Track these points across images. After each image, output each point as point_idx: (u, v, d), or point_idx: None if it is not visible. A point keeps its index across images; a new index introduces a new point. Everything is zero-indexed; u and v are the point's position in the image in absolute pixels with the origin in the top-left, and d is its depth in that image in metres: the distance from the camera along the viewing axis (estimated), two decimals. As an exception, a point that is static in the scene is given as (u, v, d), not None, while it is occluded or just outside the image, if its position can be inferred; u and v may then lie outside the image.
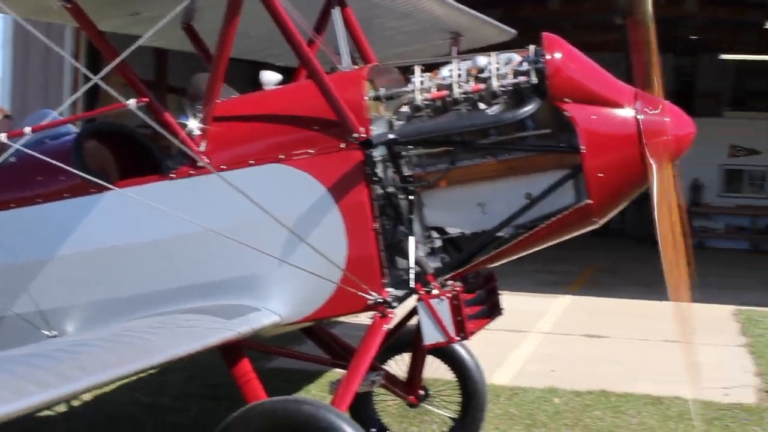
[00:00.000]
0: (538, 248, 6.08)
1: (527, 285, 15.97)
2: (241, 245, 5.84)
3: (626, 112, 5.78)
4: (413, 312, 6.26)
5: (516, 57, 5.95)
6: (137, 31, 6.97)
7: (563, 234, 6.01)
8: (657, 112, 5.79)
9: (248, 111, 6.29)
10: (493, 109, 5.83)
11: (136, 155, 6.82)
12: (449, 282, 5.98)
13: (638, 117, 5.75)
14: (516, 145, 5.92)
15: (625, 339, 12.74)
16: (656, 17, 5.73)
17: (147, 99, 5.77)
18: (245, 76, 10.92)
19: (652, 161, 5.74)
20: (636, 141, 5.73)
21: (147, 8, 6.59)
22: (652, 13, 5.77)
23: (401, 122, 6.09)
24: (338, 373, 8.11)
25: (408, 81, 6.23)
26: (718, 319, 14.05)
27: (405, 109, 6.10)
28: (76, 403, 9.08)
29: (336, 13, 6.93)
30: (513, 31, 10.46)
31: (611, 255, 22.24)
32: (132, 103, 5.32)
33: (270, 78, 6.57)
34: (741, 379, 10.50)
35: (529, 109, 5.73)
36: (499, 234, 6.03)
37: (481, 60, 5.99)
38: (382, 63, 6.62)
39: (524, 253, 6.11)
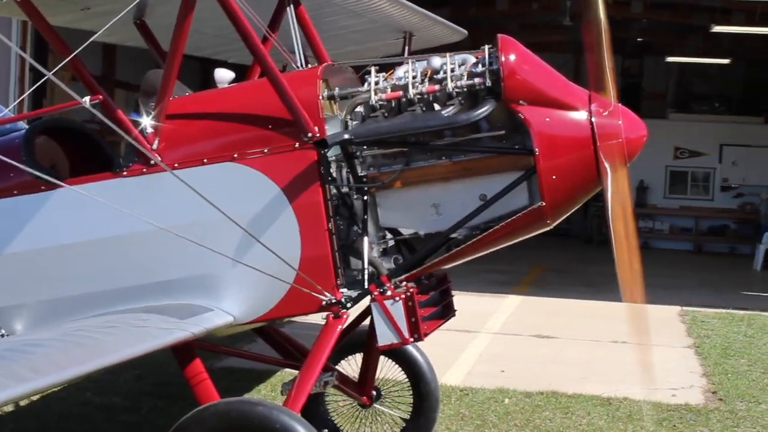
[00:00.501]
0: (492, 250, 6.09)
1: (476, 285, 16.01)
2: (194, 245, 5.78)
3: (580, 115, 5.79)
4: (366, 312, 6.23)
5: (471, 58, 5.95)
6: (89, 26, 6.91)
7: (517, 236, 6.02)
8: (610, 114, 5.82)
9: (202, 109, 6.23)
10: (448, 111, 5.82)
11: (87, 152, 6.74)
12: (403, 283, 5.97)
13: (592, 119, 5.78)
14: (470, 147, 5.92)
15: (574, 339, 12.81)
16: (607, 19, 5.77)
17: (101, 96, 5.70)
18: (196, 73, 10.85)
19: (605, 164, 5.77)
20: (590, 143, 5.75)
21: (99, 3, 6.49)
22: (603, 14, 5.81)
23: (356, 122, 6.06)
24: (290, 373, 8.11)
25: (363, 81, 6.23)
26: (664, 319, 14.15)
27: (359, 109, 6.07)
28: (24, 402, 8.95)
29: (290, 11, 6.89)
30: (464, 31, 10.46)
31: (558, 255, 22.36)
32: (86, 100, 5.24)
33: (224, 76, 6.53)
34: (688, 380, 10.60)
35: (483, 110, 5.73)
36: (453, 235, 6.03)
37: (436, 61, 5.97)
38: (336, 62, 6.59)
39: (478, 255, 6.11)
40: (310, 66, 6.74)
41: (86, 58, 5.94)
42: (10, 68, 15.83)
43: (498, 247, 6.09)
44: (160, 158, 5.91)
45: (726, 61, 26.01)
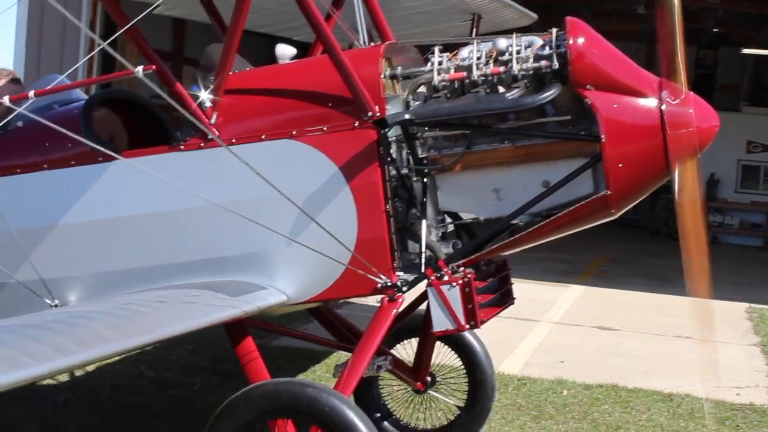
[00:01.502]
0: (554, 237, 5.93)
1: (537, 273, 15.81)
2: (249, 222, 5.70)
3: (649, 102, 5.59)
4: (423, 297, 6.10)
5: (538, 40, 5.78)
6: (154, -1, 6.85)
7: (579, 224, 5.84)
8: (681, 102, 5.61)
9: (261, 84, 6.13)
10: (513, 93, 5.65)
11: (148, 125, 6.69)
12: (461, 268, 5.82)
13: (662, 107, 5.58)
14: (535, 131, 5.76)
15: (636, 332, 12.55)
16: (681, 8, 5.56)
17: (155, 66, 5.61)
18: (262, 49, 10.75)
19: (674, 153, 5.58)
20: (659, 132, 5.56)
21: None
22: (678, 3, 5.60)
23: (417, 102, 5.93)
24: (344, 355, 8.01)
25: (427, 61, 6.09)
26: (731, 316, 13.84)
27: (422, 89, 5.94)
28: (79, 372, 8.99)
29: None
30: (534, 15, 10.27)
31: (623, 246, 22.03)
32: (139, 70, 5.16)
33: (285, 51, 6.42)
34: (753, 379, 10.29)
35: (549, 94, 5.55)
36: (514, 222, 5.88)
37: (502, 42, 5.82)
38: (399, 41, 6.44)
39: (539, 242, 5.95)
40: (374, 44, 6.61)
41: (154, 33, 5.87)
42: (80, 42, 15.92)
43: (560, 235, 5.92)
44: (217, 133, 5.83)
45: (804, 54, 25.40)
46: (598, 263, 19.46)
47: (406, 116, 5.70)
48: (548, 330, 12.46)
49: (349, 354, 5.88)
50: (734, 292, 15.46)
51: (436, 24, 9.44)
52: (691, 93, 5.69)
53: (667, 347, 11.71)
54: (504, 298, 6.36)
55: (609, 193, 5.59)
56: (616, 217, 5.83)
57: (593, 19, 23.34)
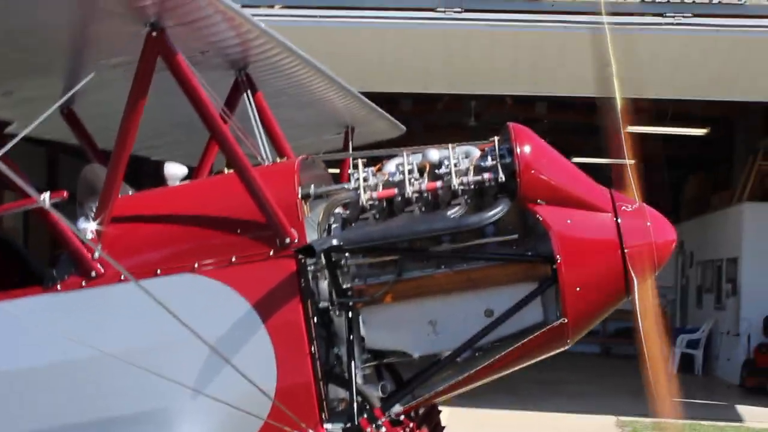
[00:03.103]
0: (500, 374, 5.17)
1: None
2: (145, 373, 4.74)
3: (604, 216, 4.97)
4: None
5: (475, 150, 5.09)
6: (9, 114, 5.91)
7: (531, 357, 5.13)
8: (636, 215, 5.01)
9: (153, 210, 5.23)
10: (454, 212, 4.91)
11: (11, 264, 5.65)
12: (401, 417, 4.99)
13: (617, 221, 4.95)
14: (482, 254, 5.03)
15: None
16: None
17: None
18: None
19: (634, 272, 4.95)
20: (617, 249, 4.93)
21: (22, 87, 5.52)
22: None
23: (335, 225, 5.13)
24: None
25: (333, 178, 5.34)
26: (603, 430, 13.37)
27: (338, 210, 5.15)
28: None
29: (247, 97, 5.98)
30: (402, 127, 9.80)
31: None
32: (46, 198, 4.21)
33: (175, 171, 5.53)
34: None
35: (498, 210, 4.85)
36: (454, 357, 5.09)
37: (433, 154, 5.08)
38: (308, 155, 5.60)
39: (481, 382, 5.17)
40: (279, 160, 5.81)
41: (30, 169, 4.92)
42: None
43: (507, 372, 5.17)
44: (102, 270, 4.90)
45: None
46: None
47: (334, 242, 4.88)
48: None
49: None
50: (597, 404, 15.06)
51: (309, 137, 8.74)
52: (646, 205, 5.11)
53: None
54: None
55: (565, 321, 4.91)
56: (568, 347, 5.15)
57: (425, 132, 23.24)
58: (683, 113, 21.71)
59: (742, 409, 16.56)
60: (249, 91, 5.96)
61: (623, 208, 4.99)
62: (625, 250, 4.92)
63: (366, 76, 13.41)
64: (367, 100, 8.24)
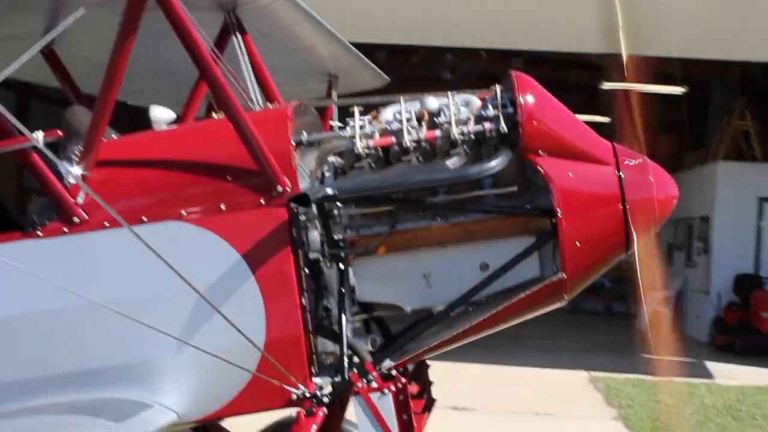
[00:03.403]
0: (492, 330, 5.03)
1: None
2: (129, 324, 4.56)
3: (606, 170, 4.82)
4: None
5: (475, 99, 4.90)
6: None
7: (526, 314, 4.98)
8: (640, 169, 4.87)
9: (140, 155, 5.01)
10: (453, 161, 4.75)
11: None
12: (392, 372, 4.84)
13: (620, 175, 4.81)
14: (478, 206, 4.87)
15: (494, 412, 11.79)
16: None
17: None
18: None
19: (635, 227, 4.82)
20: (618, 203, 4.78)
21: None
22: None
23: (328, 174, 4.94)
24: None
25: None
26: (578, 387, 13.35)
27: (332, 158, 4.96)
28: None
29: (237, 40, 5.77)
30: (386, 77, 9.60)
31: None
32: (39, 137, 4.00)
33: (161, 115, 5.31)
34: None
35: (499, 161, 4.68)
36: (447, 312, 4.95)
37: (432, 102, 4.90)
38: (301, 101, 5.40)
39: (475, 337, 5.03)
40: (270, 105, 5.61)
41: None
42: None
43: (499, 328, 5.03)
44: (86, 216, 4.71)
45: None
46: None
47: (329, 191, 4.70)
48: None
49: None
50: (569, 360, 15.04)
51: (290, 85, 8.51)
52: (649, 159, 4.96)
53: (528, 427, 10.99)
54: (429, 403, 5.43)
55: (564, 276, 4.76)
56: (564, 304, 5.03)
57: (399, 84, 22.99)
58: (660, 72, 21.61)
59: (713, 366, 16.63)
60: (238, 33, 5.74)
61: (626, 162, 4.85)
62: (627, 205, 4.78)
63: (345, 25, 13.16)
64: (353, 48, 8.05)
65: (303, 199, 4.64)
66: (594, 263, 4.88)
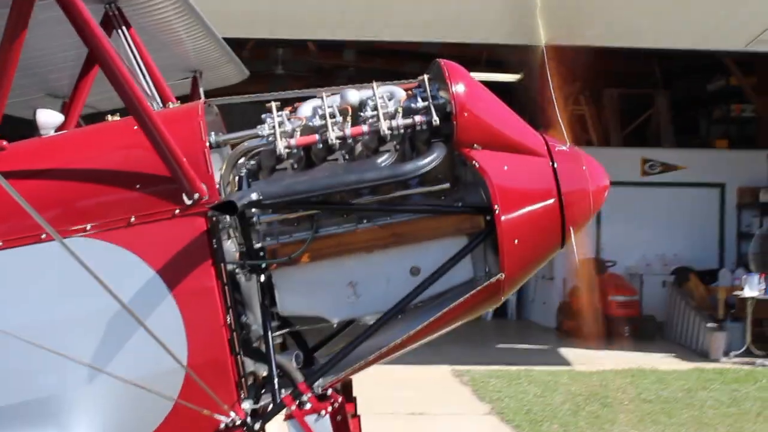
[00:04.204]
0: (431, 337, 4.71)
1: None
2: (30, 355, 4.06)
3: (540, 161, 4.55)
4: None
5: (400, 91, 4.53)
6: None
7: (461, 318, 4.68)
8: (571, 159, 4.64)
9: (32, 164, 4.47)
10: (384, 159, 4.39)
11: None
12: (328, 390, 4.46)
13: (554, 167, 4.55)
14: (410, 206, 4.53)
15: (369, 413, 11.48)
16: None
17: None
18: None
19: (571, 220, 4.59)
20: (555, 197, 4.53)
21: None
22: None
23: (242, 177, 4.53)
24: None
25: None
26: (445, 382, 13.19)
27: (242, 160, 4.54)
28: None
29: (122, 34, 5.28)
30: (247, 71, 9.27)
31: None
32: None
33: (48, 119, 4.77)
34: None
35: (434, 157, 4.34)
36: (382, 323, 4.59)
37: (352, 95, 4.52)
38: (207, 100, 4.91)
39: (412, 346, 4.69)
40: (171, 105, 5.12)
41: None
42: None
43: (439, 333, 4.72)
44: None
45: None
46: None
47: (254, 196, 4.26)
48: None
49: None
50: (432, 355, 14.85)
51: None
52: (579, 149, 4.74)
53: (406, 428, 10.75)
54: (355, 413, 5.09)
55: (503, 276, 4.47)
56: (499, 305, 4.75)
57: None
58: (496, 59, 21.83)
59: (567, 352, 16.77)
60: (123, 27, 5.24)
61: (557, 150, 4.61)
62: (563, 198, 4.54)
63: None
64: (223, 42, 7.66)
65: (228, 207, 4.19)
66: (532, 261, 4.62)
